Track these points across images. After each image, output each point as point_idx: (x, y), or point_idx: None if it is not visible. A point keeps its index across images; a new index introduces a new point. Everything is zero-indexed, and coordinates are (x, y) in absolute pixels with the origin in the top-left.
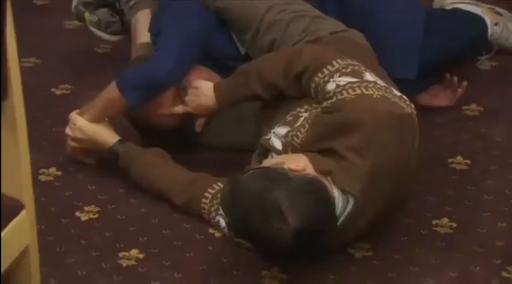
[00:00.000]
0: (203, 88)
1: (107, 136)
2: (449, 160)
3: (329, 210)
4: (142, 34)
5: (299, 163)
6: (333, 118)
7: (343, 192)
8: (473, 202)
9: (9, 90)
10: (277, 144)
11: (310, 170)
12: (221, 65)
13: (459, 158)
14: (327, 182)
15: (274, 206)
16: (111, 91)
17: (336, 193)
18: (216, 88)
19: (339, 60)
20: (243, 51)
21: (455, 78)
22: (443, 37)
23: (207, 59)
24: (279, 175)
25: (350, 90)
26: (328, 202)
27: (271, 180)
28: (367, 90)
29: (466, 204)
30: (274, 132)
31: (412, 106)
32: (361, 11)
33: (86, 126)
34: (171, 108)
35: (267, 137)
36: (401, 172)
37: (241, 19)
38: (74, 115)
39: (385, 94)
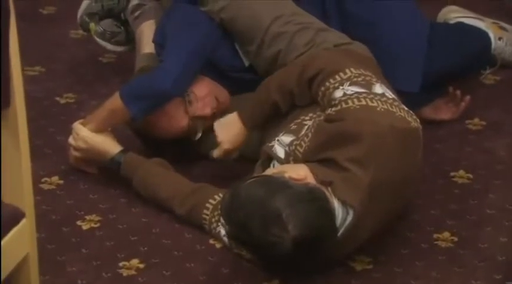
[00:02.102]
0: (228, 120)
1: (110, 146)
2: (452, 173)
3: (329, 219)
4: (147, 44)
5: (300, 172)
6: (335, 127)
7: (343, 203)
8: (475, 217)
9: (12, 97)
10: (280, 152)
11: (310, 179)
12: (225, 76)
13: (461, 172)
14: (328, 192)
15: (275, 213)
16: (115, 101)
17: (336, 204)
18: (239, 113)
19: (352, 69)
20: (246, 63)
21: (459, 92)
22: (447, 51)
23: (211, 70)
24: (279, 183)
25: (355, 100)
26: (328, 211)
27: (272, 187)
28: (372, 102)
29: (468, 218)
30: (278, 140)
31: (418, 120)
32: (365, 23)
33: (88, 136)
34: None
35: (270, 144)
36: (403, 185)
37: (246, 30)
38: (77, 125)
39: (390, 108)
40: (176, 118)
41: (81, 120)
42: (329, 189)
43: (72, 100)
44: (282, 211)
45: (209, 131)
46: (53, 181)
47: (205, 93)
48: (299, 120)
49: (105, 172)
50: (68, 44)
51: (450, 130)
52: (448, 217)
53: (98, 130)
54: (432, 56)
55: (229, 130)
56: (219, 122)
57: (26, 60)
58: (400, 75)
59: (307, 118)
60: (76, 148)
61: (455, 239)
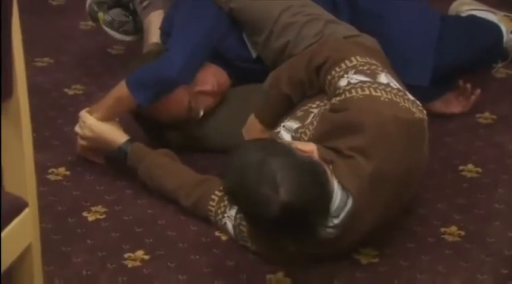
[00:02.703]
0: (249, 125)
1: (116, 135)
2: (460, 167)
3: (323, 195)
4: (155, 34)
5: (309, 147)
6: (339, 117)
7: (343, 188)
8: (483, 211)
9: (14, 87)
10: (287, 137)
11: (315, 156)
12: (231, 65)
13: (470, 166)
14: (329, 171)
15: (270, 173)
16: (121, 89)
17: (336, 186)
18: (256, 115)
19: (358, 57)
20: (254, 54)
21: (469, 85)
22: (458, 44)
23: (218, 59)
24: (284, 149)
25: (359, 90)
26: (324, 188)
27: (276, 150)
28: (376, 92)
29: (476, 212)
30: (284, 126)
31: (424, 112)
32: (375, 16)
33: (95, 124)
34: None
35: (276, 131)
36: (406, 177)
37: (255, 20)
38: (84, 114)
39: (394, 99)
40: (178, 97)
41: (87, 109)
42: (330, 167)
43: (80, 92)
44: (277, 173)
45: (212, 120)
46: (59, 172)
47: (205, 70)
48: (306, 107)
49: (112, 164)
50: (77, 35)
51: (460, 123)
52: (455, 211)
53: (105, 118)
54: (442, 49)
55: (253, 133)
56: (244, 129)
57: (35, 52)
58: (409, 69)
59: (314, 106)
60: (82, 137)
61: (463, 233)
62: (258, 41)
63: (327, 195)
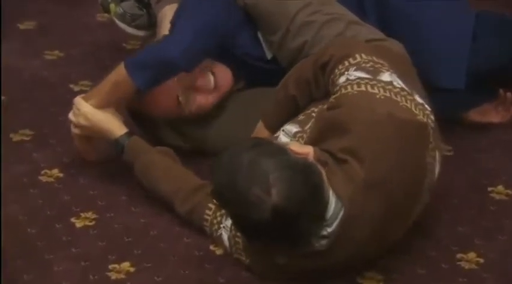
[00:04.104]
0: (257, 129)
1: (114, 126)
2: (489, 188)
3: (318, 198)
4: (167, 28)
5: (304, 149)
6: (332, 115)
7: (337, 194)
8: (507, 237)
9: None
10: (286, 141)
11: (311, 158)
12: (244, 64)
13: (500, 187)
14: (324, 176)
15: (263, 173)
16: (119, 73)
17: (330, 193)
18: (262, 119)
19: (363, 55)
20: (269, 55)
21: (509, 94)
22: (495, 44)
23: (230, 57)
24: (279, 149)
25: (355, 86)
26: (319, 189)
27: (269, 150)
28: (373, 89)
29: (499, 238)
30: (283, 130)
31: (432, 117)
32: (404, 15)
33: (90, 112)
34: None
35: (275, 135)
36: (406, 183)
37: (270, 17)
38: (78, 100)
39: (394, 97)
40: (166, 88)
41: (83, 95)
42: (326, 168)
43: (87, 88)
44: (270, 173)
45: (213, 122)
46: (52, 173)
47: (206, 66)
48: (308, 112)
49: (108, 166)
50: (92, 27)
51: (495, 139)
52: (477, 236)
53: (101, 105)
54: (478, 50)
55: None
56: (252, 135)
57: (46, 43)
58: (443, 71)
59: (316, 109)
60: (76, 125)
61: (481, 261)
62: (274, 40)
63: (322, 198)
